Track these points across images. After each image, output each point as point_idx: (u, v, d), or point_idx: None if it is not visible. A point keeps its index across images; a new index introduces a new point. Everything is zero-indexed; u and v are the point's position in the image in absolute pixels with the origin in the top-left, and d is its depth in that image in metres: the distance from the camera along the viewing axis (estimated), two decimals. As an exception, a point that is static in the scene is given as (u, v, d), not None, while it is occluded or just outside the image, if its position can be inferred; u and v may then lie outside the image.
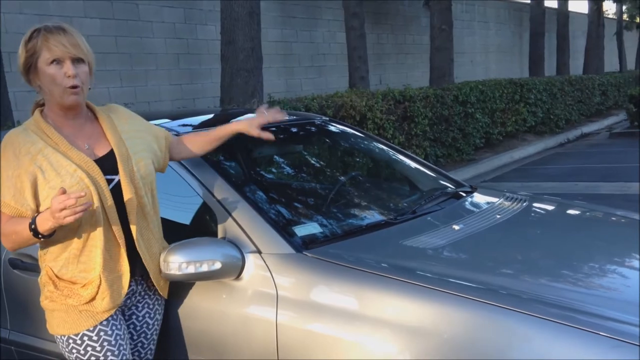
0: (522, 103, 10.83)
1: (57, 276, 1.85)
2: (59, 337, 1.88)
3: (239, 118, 2.10)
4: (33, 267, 2.31)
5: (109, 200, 1.82)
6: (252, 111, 4.17)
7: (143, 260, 1.90)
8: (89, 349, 1.84)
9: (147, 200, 1.90)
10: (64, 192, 1.62)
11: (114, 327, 1.87)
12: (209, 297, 2.02)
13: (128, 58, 8.25)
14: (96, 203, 1.78)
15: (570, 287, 1.92)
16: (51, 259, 1.86)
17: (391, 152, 3.06)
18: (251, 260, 1.98)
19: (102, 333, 1.85)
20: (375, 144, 3.09)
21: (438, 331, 1.69)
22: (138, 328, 1.99)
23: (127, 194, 1.85)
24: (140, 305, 1.99)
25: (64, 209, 1.60)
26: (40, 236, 1.72)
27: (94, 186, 1.78)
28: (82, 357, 1.85)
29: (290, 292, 1.92)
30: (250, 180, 2.47)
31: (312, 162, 2.85)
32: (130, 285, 1.92)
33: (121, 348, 1.87)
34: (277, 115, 2.03)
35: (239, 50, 6.52)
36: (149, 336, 2.01)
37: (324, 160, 2.88)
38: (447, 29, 10.55)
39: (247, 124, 2.03)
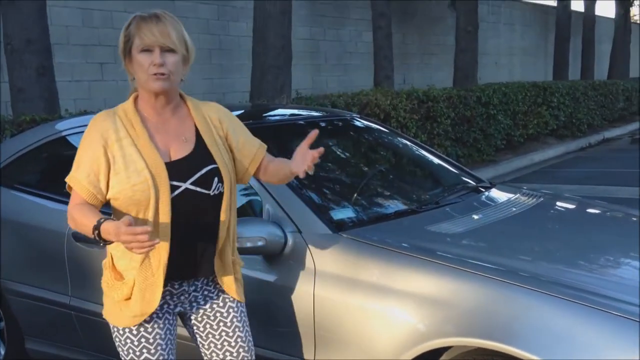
0: (545, 106, 10.93)
1: (113, 265, 1.90)
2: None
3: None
4: (94, 240, 2.58)
5: (165, 208, 1.78)
6: (281, 106, 4.44)
7: (217, 274, 1.92)
8: (127, 341, 1.90)
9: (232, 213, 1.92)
10: (130, 223, 1.59)
11: (155, 326, 1.89)
12: (254, 270, 2.29)
13: (163, 52, 8.57)
14: (151, 209, 1.76)
15: (585, 273, 2.12)
16: (114, 246, 1.86)
17: (418, 149, 3.31)
18: (292, 238, 2.25)
19: (142, 329, 1.88)
20: (403, 140, 3.35)
21: (455, 303, 1.95)
22: (212, 318, 1.98)
23: (225, 202, 1.86)
24: (206, 302, 1.99)
25: (132, 242, 1.59)
26: (101, 243, 1.72)
27: (154, 190, 1.77)
28: (122, 347, 1.92)
29: (326, 268, 2.18)
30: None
31: (346, 155, 3.11)
32: (190, 288, 1.94)
33: (159, 348, 1.90)
34: (315, 154, 1.83)
35: (270, 48, 6.78)
36: (230, 333, 1.98)
37: (357, 153, 3.14)
38: (473, 30, 10.69)
39: (302, 167, 1.84)
